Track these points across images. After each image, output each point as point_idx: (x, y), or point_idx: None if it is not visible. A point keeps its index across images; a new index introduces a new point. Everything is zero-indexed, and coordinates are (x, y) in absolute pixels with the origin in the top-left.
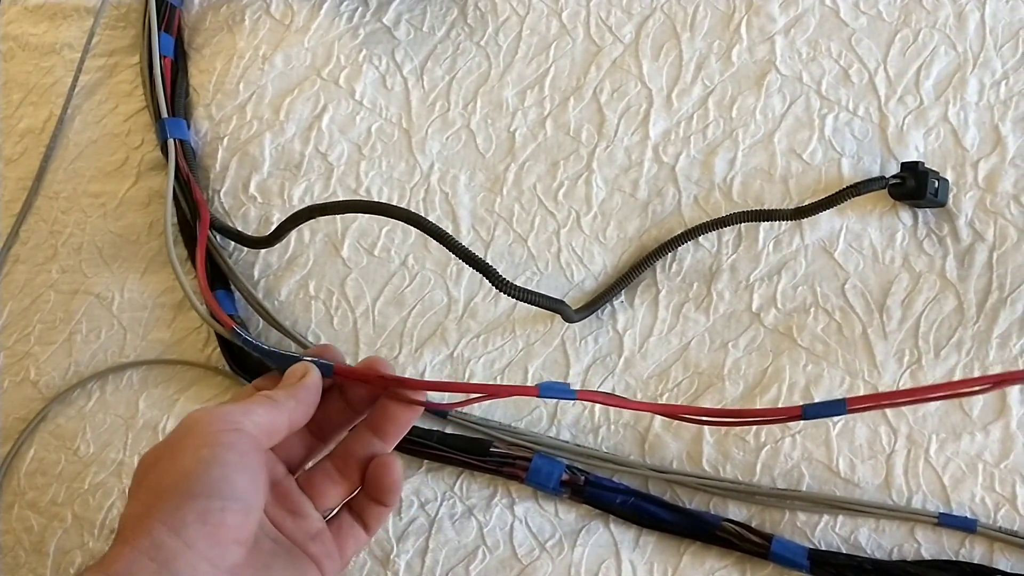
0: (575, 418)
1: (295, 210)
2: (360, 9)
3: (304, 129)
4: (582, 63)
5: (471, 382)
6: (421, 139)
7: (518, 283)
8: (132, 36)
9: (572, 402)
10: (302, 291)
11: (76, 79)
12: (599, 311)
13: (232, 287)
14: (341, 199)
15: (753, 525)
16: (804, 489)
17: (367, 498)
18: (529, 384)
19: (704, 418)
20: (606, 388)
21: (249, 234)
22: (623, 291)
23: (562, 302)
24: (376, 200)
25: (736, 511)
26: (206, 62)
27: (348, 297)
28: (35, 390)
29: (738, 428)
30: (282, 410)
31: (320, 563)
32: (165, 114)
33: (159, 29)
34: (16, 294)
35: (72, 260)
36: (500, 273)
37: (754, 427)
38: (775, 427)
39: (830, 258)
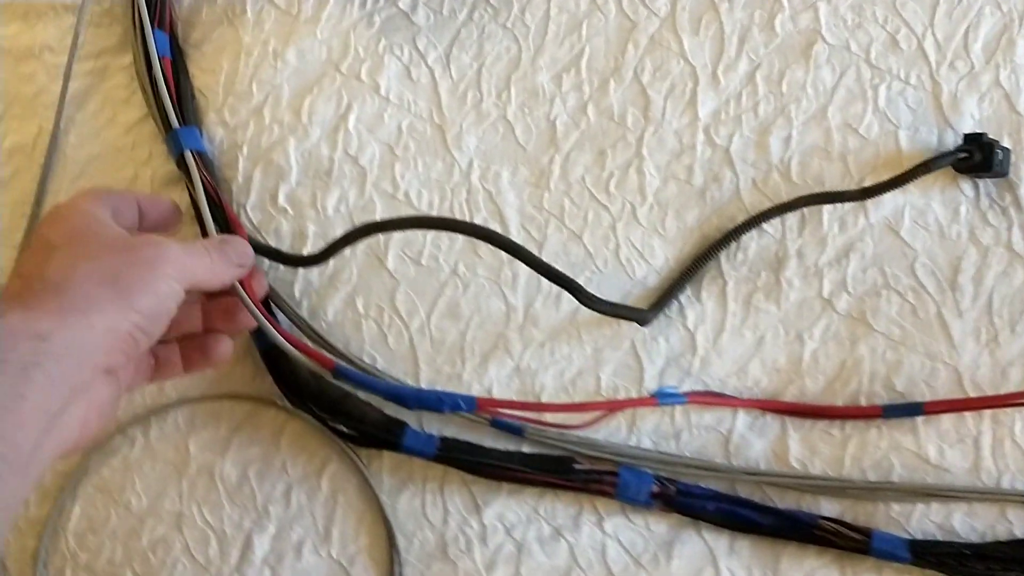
0: (654, 424)
1: (352, 228)
2: None
3: (330, 131)
4: (618, 41)
5: (587, 402)
6: (456, 134)
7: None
8: (119, 34)
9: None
10: (349, 310)
11: (65, 87)
12: (667, 308)
13: (272, 310)
14: (403, 216)
15: (847, 520)
16: (895, 479)
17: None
18: (636, 396)
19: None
20: (683, 390)
21: (291, 252)
22: (688, 285)
23: (644, 311)
24: (433, 214)
25: (828, 507)
26: (209, 61)
27: (400, 313)
28: None
29: (823, 422)
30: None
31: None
32: (176, 123)
33: (152, 25)
34: None
35: None
36: (585, 288)
37: (839, 420)
38: (862, 420)
39: (896, 237)
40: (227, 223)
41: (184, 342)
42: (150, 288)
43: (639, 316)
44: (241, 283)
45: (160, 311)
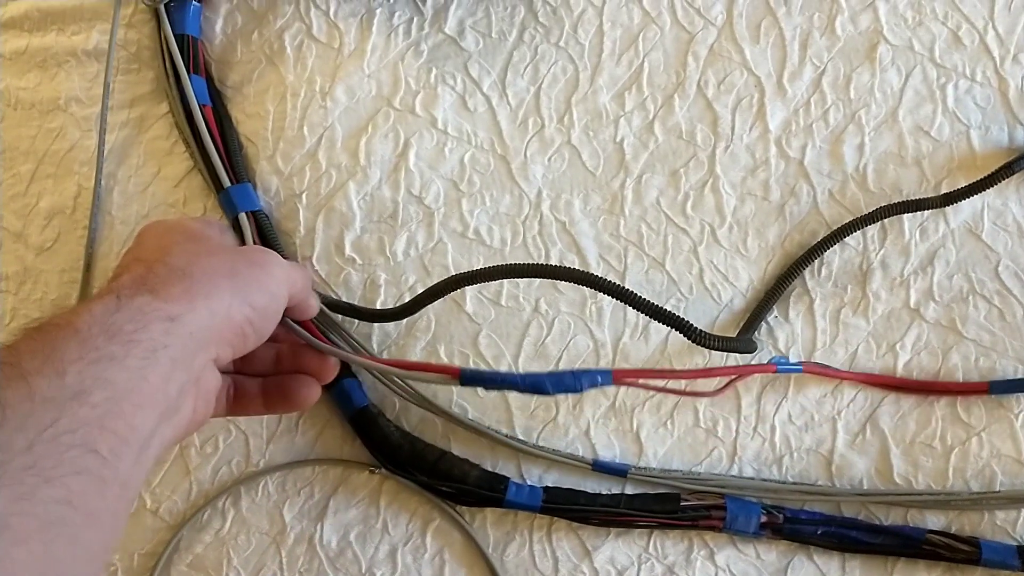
0: (756, 452)
1: (439, 280)
2: (415, 19)
3: (390, 171)
4: (676, 54)
5: (714, 367)
6: (521, 164)
7: None
8: (151, 80)
9: (751, 435)
10: (433, 358)
11: (102, 141)
12: (757, 331)
13: (353, 369)
14: (493, 266)
15: (954, 531)
16: (999, 488)
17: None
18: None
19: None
20: (782, 415)
21: (367, 307)
22: (775, 305)
23: (751, 341)
24: (531, 263)
25: (934, 520)
26: (253, 104)
27: (485, 358)
28: (157, 519)
29: (924, 435)
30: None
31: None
32: (227, 180)
33: (187, 70)
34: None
35: None
36: (694, 325)
37: (939, 433)
38: (960, 429)
39: (978, 240)
40: None
41: (266, 381)
42: (264, 286)
43: (749, 347)
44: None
45: (270, 311)
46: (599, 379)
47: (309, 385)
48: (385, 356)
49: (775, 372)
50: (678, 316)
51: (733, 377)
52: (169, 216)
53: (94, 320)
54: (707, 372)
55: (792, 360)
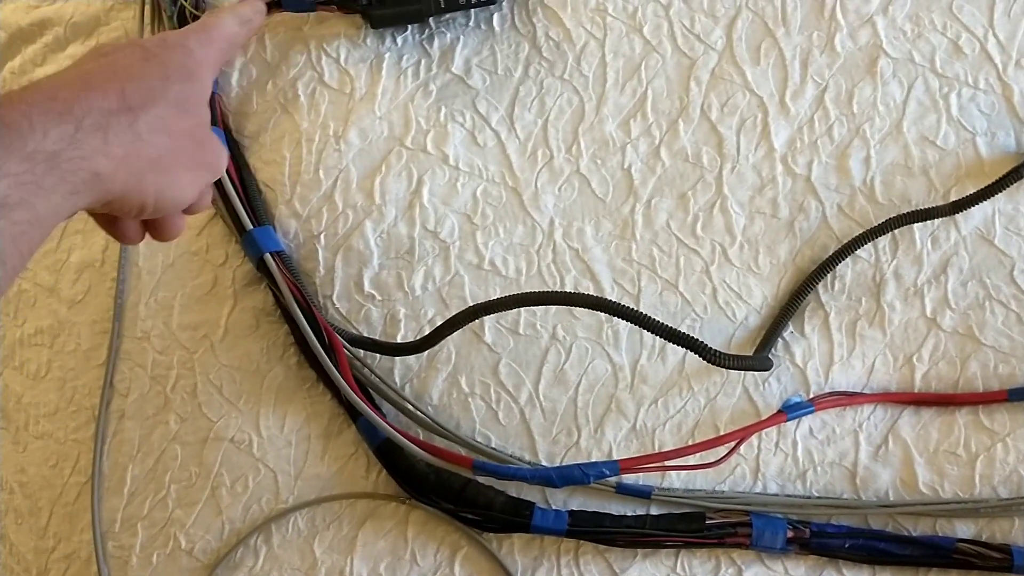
0: (779, 467)
1: (456, 313)
2: (423, 61)
3: (405, 209)
4: (679, 80)
5: (717, 436)
6: (532, 195)
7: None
8: None
9: (773, 450)
10: (454, 390)
11: None
12: (773, 347)
13: (377, 403)
14: (507, 295)
15: (984, 539)
16: None
17: None
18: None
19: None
20: (803, 429)
21: (388, 341)
22: (791, 321)
23: (766, 358)
24: (545, 290)
25: (964, 529)
26: (269, 152)
27: (506, 387)
28: (191, 559)
29: (947, 444)
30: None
31: None
32: (249, 224)
33: None
34: (135, 456)
35: (189, 405)
36: (709, 345)
37: (963, 441)
38: (984, 436)
39: (991, 246)
40: (314, 321)
41: None
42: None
43: (764, 365)
44: None
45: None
46: (606, 471)
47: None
48: (408, 390)
49: (786, 421)
50: (692, 337)
51: (737, 442)
52: (194, 265)
53: (47, 139)
54: (715, 442)
55: (804, 389)
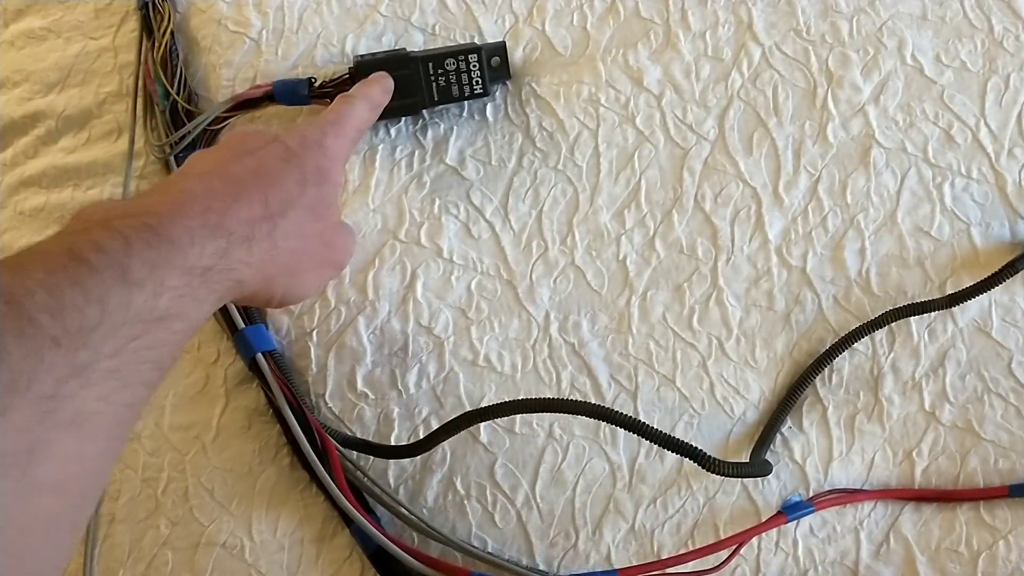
0: (779, 567)
1: (452, 417)
2: (417, 152)
3: (398, 304)
4: (672, 170)
5: (717, 541)
6: (527, 287)
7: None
8: None
9: (774, 550)
10: (450, 491)
11: None
12: (772, 445)
13: (371, 506)
14: (505, 401)
15: None
16: None
17: None
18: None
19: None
20: (803, 528)
21: (382, 443)
22: (788, 416)
23: (767, 463)
24: (541, 398)
25: None
26: None
27: (503, 488)
28: None
29: (949, 541)
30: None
31: None
32: (241, 323)
33: None
34: (125, 561)
35: (180, 509)
36: (707, 453)
37: (964, 538)
38: (986, 533)
39: (988, 338)
40: (307, 423)
41: None
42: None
43: (764, 470)
44: None
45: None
46: None
47: None
48: (402, 491)
49: (786, 523)
50: (692, 446)
51: (737, 546)
52: (185, 364)
53: (204, 254)
54: (715, 547)
55: (804, 486)
